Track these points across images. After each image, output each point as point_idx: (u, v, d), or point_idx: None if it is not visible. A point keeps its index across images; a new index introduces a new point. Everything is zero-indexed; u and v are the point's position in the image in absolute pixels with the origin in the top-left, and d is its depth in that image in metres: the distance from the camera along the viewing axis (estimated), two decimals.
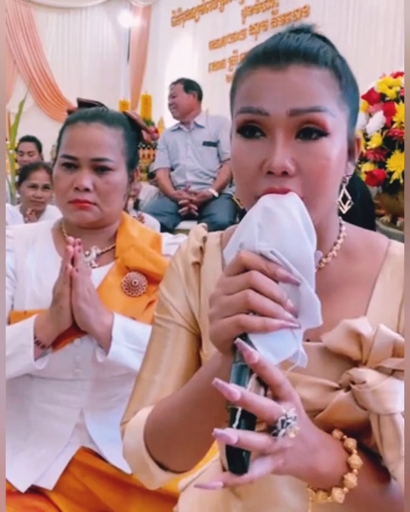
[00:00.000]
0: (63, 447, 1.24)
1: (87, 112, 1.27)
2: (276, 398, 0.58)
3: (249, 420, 0.55)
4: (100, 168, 1.22)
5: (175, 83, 4.33)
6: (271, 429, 0.56)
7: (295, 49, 0.70)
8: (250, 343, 0.58)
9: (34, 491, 1.21)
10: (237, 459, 0.55)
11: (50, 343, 1.18)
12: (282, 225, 0.63)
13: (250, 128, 0.71)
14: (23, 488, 1.19)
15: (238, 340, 0.58)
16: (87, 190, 1.21)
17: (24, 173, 3.39)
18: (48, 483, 1.21)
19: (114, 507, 1.23)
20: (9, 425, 1.20)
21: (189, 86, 4.26)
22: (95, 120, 1.24)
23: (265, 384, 0.58)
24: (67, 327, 1.18)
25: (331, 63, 0.71)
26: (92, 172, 1.22)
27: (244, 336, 0.59)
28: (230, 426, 0.55)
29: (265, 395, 0.58)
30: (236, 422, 0.55)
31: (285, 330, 0.60)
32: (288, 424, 0.56)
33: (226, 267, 0.64)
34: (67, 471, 1.22)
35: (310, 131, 0.69)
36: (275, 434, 0.56)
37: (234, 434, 0.53)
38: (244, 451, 0.55)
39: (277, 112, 0.68)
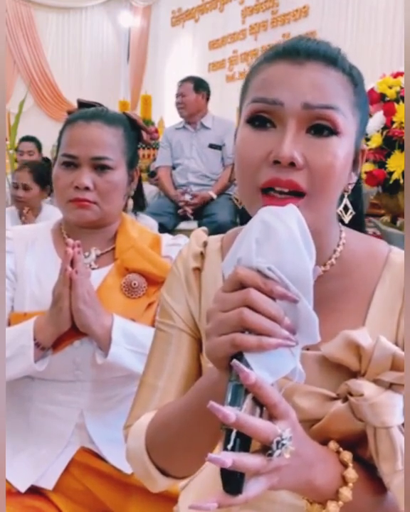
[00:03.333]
0: (63, 447, 1.24)
1: (87, 111, 1.28)
2: (272, 417, 0.58)
3: (244, 440, 0.55)
4: (100, 166, 1.23)
5: (184, 81, 4.17)
6: (266, 450, 0.56)
7: (314, 49, 0.71)
8: (245, 362, 0.58)
9: (34, 491, 1.21)
10: (231, 480, 0.54)
11: (50, 344, 1.19)
12: (280, 241, 0.62)
13: (260, 118, 0.70)
14: (23, 488, 1.19)
15: (234, 361, 0.57)
16: (87, 189, 1.21)
17: (12, 174, 3.42)
18: (48, 483, 1.21)
19: (114, 507, 1.23)
20: (9, 425, 1.20)
21: (199, 85, 4.12)
22: (95, 119, 1.24)
23: (261, 403, 0.57)
24: (66, 329, 1.18)
25: (348, 70, 0.72)
26: (92, 171, 1.22)
27: (240, 354, 0.59)
28: (225, 446, 0.54)
29: (261, 413, 0.58)
30: (231, 443, 0.54)
31: (282, 347, 0.60)
32: (283, 445, 0.55)
33: (224, 282, 0.63)
34: (67, 471, 1.23)
35: (321, 127, 0.69)
36: (270, 455, 0.55)
37: (229, 458, 0.53)
38: (239, 472, 0.54)
39: (291, 103, 0.68)
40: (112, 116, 1.28)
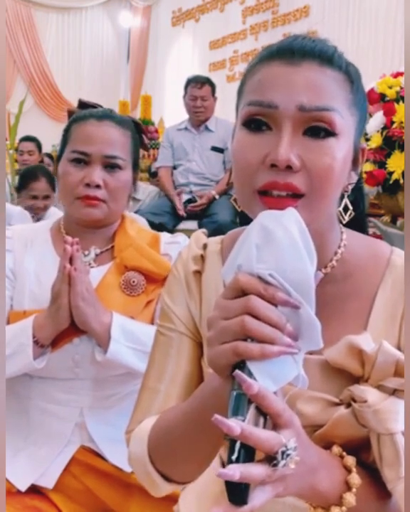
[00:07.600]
0: (63, 446, 1.24)
1: (97, 111, 1.30)
2: (276, 426, 0.57)
3: (248, 450, 0.54)
4: (110, 165, 1.24)
5: (203, 83, 3.97)
6: (271, 459, 0.55)
7: (310, 48, 0.70)
8: (248, 370, 0.57)
9: (34, 490, 1.21)
10: (236, 491, 0.54)
11: (49, 342, 1.18)
12: (280, 246, 0.60)
13: (256, 121, 0.69)
14: (23, 487, 1.19)
15: (237, 372, 0.56)
16: (97, 186, 1.22)
17: (23, 182, 3.30)
18: (48, 483, 1.21)
19: (114, 506, 1.23)
20: (9, 425, 1.20)
21: (214, 88, 4.03)
22: (106, 119, 1.26)
23: (264, 412, 0.57)
24: (65, 326, 1.18)
25: (345, 68, 0.71)
26: (102, 169, 1.23)
27: (242, 361, 0.58)
28: (229, 457, 0.54)
29: (265, 422, 0.57)
30: (236, 454, 0.54)
31: (285, 355, 0.59)
32: (288, 455, 0.55)
33: (224, 289, 0.62)
34: (67, 470, 1.22)
35: (318, 129, 0.68)
36: (275, 465, 0.54)
37: (236, 470, 0.52)
38: (243, 482, 0.53)
39: (286, 105, 0.67)
40: (121, 118, 1.30)
